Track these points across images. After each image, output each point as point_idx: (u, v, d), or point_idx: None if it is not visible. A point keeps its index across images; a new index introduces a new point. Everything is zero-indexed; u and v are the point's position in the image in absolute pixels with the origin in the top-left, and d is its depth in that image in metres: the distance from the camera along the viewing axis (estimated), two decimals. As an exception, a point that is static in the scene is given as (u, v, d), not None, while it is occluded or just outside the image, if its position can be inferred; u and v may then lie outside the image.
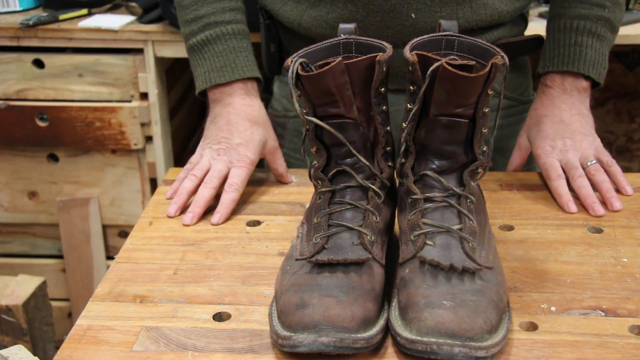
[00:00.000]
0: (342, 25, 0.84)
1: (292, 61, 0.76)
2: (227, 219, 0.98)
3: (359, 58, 0.77)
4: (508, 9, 1.05)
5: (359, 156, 0.79)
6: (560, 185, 0.99)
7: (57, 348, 0.74)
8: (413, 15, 1.02)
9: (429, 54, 0.75)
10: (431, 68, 0.74)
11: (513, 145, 1.14)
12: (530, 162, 1.16)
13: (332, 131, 0.78)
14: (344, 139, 0.78)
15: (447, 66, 0.72)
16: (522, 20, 1.14)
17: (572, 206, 0.97)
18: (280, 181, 1.08)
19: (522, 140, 1.09)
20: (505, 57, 0.75)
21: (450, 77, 0.73)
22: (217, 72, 1.07)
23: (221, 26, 1.07)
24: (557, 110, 1.04)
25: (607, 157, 1.02)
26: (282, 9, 1.09)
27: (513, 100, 1.15)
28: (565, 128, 1.04)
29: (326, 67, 0.75)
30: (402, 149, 0.80)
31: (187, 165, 1.04)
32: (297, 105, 0.76)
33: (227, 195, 0.99)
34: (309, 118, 0.78)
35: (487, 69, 0.73)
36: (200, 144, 1.06)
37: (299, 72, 0.76)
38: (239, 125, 1.04)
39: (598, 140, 1.04)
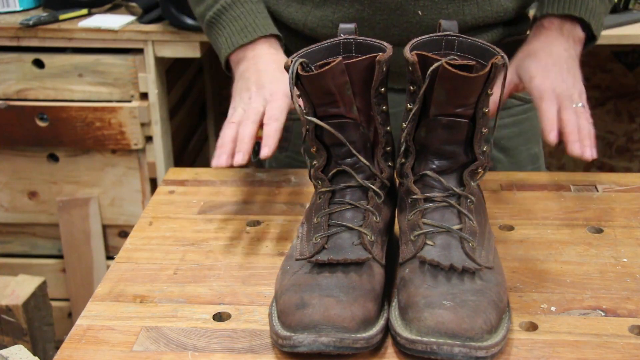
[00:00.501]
0: (342, 25, 0.84)
1: (292, 61, 0.76)
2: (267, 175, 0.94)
3: (359, 58, 0.77)
4: (513, 6, 1.05)
5: (359, 156, 0.79)
6: (550, 109, 0.96)
7: (57, 348, 0.74)
8: (420, 13, 1.02)
9: (429, 54, 0.75)
10: (431, 68, 0.74)
11: (519, 145, 1.13)
12: (534, 162, 1.16)
13: (332, 131, 0.78)
14: (343, 139, 0.78)
15: (447, 66, 0.72)
16: (526, 19, 1.14)
17: (554, 136, 0.94)
18: None
19: (509, 76, 1.04)
20: (505, 57, 0.75)
21: (451, 77, 0.73)
22: (239, 34, 1.04)
23: None
24: (555, 48, 1.03)
25: (588, 114, 0.99)
26: (287, 10, 1.09)
27: (518, 100, 1.15)
28: (562, 63, 1.01)
29: (326, 67, 0.75)
30: (402, 149, 0.80)
31: (225, 122, 1.01)
32: (296, 105, 0.76)
33: (269, 127, 0.94)
34: (309, 118, 0.78)
35: (487, 68, 0.74)
36: (231, 102, 1.02)
37: (299, 72, 0.76)
38: (268, 71, 1.01)
39: (585, 95, 1.01)
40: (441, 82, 0.74)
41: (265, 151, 0.92)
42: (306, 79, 0.76)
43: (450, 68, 0.72)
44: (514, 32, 1.10)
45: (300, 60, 0.76)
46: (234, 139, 0.95)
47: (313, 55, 0.80)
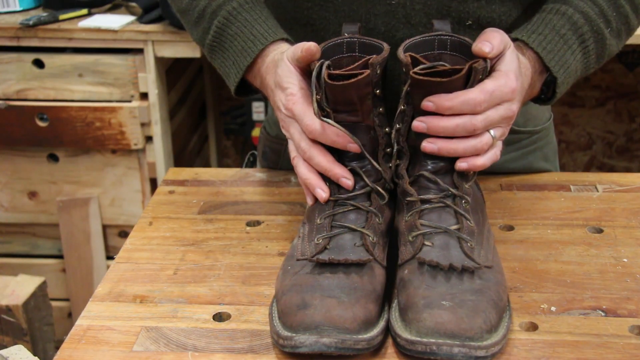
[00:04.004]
0: (345, 25, 0.85)
1: (317, 63, 0.76)
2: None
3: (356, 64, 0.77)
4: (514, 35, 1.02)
5: (371, 159, 0.79)
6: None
7: (57, 348, 0.74)
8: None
9: (420, 57, 0.76)
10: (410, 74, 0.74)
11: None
12: (540, 162, 1.14)
13: (350, 136, 0.77)
14: (359, 143, 0.78)
15: (415, 75, 0.73)
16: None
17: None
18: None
19: None
20: (488, 60, 0.75)
21: (421, 84, 0.74)
22: (241, 55, 0.92)
23: (226, 6, 0.94)
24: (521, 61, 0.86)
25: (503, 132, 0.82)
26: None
27: (524, 134, 1.08)
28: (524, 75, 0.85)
29: (353, 80, 0.74)
30: (395, 150, 0.80)
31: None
32: (315, 106, 0.76)
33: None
34: (327, 120, 0.77)
35: (464, 71, 0.74)
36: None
37: (326, 79, 0.75)
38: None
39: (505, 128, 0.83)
40: (415, 89, 0.75)
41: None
42: (330, 87, 0.76)
43: (418, 77, 0.73)
44: None
45: (327, 62, 0.76)
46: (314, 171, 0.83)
47: None
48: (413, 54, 0.76)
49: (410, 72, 0.74)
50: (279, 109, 0.86)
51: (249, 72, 0.93)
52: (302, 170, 0.83)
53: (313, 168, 0.82)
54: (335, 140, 0.79)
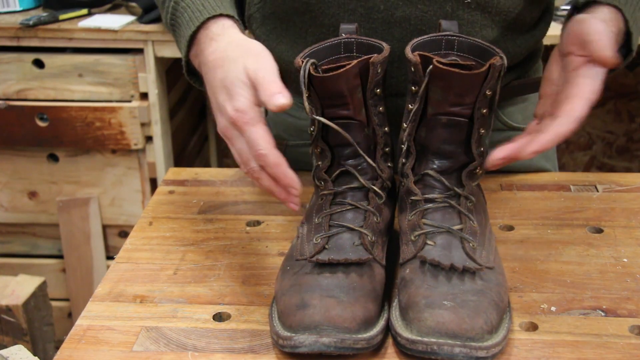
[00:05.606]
0: (343, 25, 0.85)
1: (302, 61, 0.76)
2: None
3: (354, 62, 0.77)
4: (521, 50, 1.00)
5: (366, 157, 0.79)
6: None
7: (57, 348, 0.74)
8: None
9: (431, 54, 0.76)
10: (429, 67, 0.74)
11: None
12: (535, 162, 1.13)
13: (342, 132, 0.77)
14: (352, 140, 0.78)
15: (437, 64, 0.73)
16: (534, 58, 1.07)
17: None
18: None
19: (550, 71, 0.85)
20: (504, 57, 0.75)
21: (443, 75, 0.73)
22: (187, 26, 0.86)
23: None
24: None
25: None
26: (277, 47, 0.99)
27: (523, 131, 1.08)
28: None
29: (341, 70, 0.75)
30: (404, 149, 0.80)
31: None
32: (306, 104, 0.75)
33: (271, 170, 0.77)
34: (318, 118, 0.77)
35: (484, 68, 0.74)
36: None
37: (312, 72, 0.75)
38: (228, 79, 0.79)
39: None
40: (434, 80, 0.74)
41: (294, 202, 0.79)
42: (318, 81, 0.76)
43: (441, 66, 0.73)
44: (522, 74, 1.05)
45: (312, 60, 0.76)
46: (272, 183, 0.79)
47: (315, 54, 0.80)
48: (423, 53, 0.76)
49: (434, 61, 0.73)
50: (222, 114, 0.78)
51: (191, 50, 0.86)
52: (268, 183, 0.79)
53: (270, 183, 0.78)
54: (282, 179, 0.76)
